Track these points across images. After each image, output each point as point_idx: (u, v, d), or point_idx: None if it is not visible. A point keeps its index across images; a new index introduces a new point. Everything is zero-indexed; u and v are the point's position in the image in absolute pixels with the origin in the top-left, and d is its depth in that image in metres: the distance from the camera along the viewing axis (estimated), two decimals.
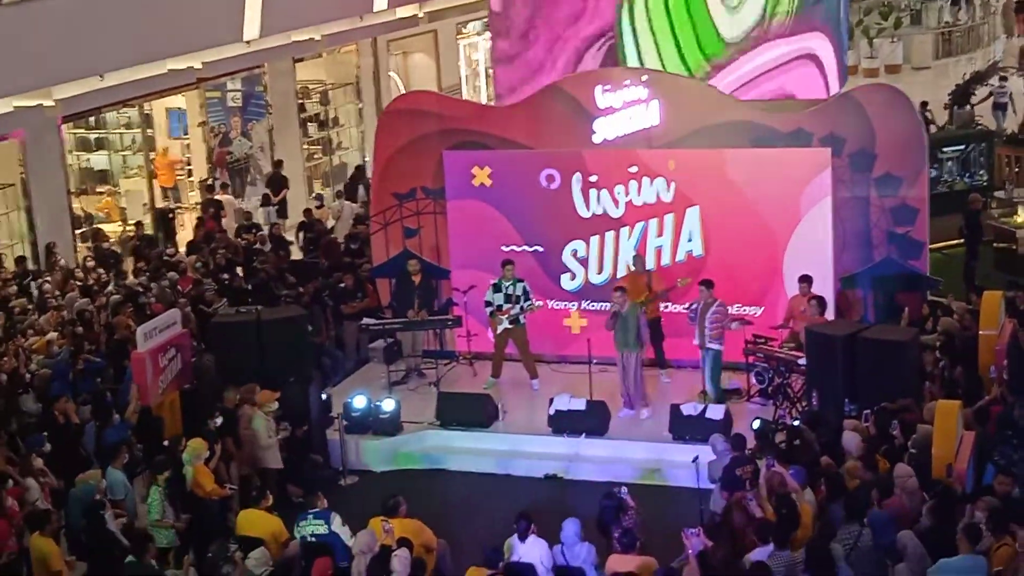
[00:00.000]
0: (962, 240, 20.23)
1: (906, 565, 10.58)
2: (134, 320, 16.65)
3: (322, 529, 12.07)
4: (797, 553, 10.69)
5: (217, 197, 24.06)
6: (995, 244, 21.01)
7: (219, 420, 14.25)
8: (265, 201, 24.84)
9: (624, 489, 12.33)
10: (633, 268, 16.81)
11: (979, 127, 24.67)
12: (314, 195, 25.22)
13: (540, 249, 17.48)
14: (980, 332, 14.68)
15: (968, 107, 26.53)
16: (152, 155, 25.07)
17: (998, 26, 40.61)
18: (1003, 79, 27.47)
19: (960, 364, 14.44)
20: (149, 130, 25.32)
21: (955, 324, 15.66)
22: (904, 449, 12.48)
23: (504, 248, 17.42)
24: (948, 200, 20.88)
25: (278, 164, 25.61)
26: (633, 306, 15.69)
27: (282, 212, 24.67)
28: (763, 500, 11.63)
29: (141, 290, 18.61)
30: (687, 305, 16.26)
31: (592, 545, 11.51)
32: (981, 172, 22.44)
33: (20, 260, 20.30)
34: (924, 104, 24.91)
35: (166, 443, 14.11)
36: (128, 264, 21.64)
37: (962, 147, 22.50)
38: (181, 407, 15.51)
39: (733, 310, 16.23)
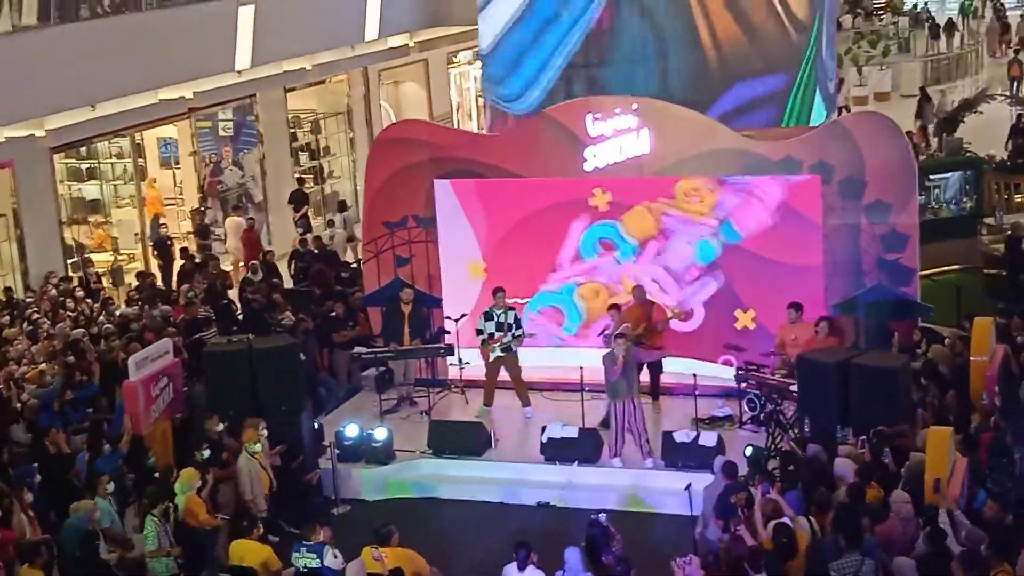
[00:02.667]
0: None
1: None
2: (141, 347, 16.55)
3: (314, 563, 12.01)
4: None
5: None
6: (985, 270, 21.08)
7: (207, 452, 14.17)
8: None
9: (603, 516, 12.22)
10: (632, 298, 16.77)
11: (968, 154, 24.75)
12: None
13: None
14: (971, 358, 14.71)
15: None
16: (144, 184, 25.11)
17: (985, 54, 40.91)
18: None
19: (951, 390, 14.45)
20: (140, 160, 25.34)
21: (946, 351, 15.70)
22: (897, 476, 12.46)
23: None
24: (936, 227, 20.96)
25: (300, 182, 26.13)
26: (630, 350, 15.23)
27: (308, 227, 25.30)
28: (757, 527, 11.61)
29: (133, 318, 18.58)
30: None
31: None
32: (965, 199, 22.55)
33: (7, 290, 20.30)
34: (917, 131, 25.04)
35: (156, 474, 14.06)
36: (120, 294, 21.62)
37: (950, 174, 22.60)
38: (173, 436, 15.46)
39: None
